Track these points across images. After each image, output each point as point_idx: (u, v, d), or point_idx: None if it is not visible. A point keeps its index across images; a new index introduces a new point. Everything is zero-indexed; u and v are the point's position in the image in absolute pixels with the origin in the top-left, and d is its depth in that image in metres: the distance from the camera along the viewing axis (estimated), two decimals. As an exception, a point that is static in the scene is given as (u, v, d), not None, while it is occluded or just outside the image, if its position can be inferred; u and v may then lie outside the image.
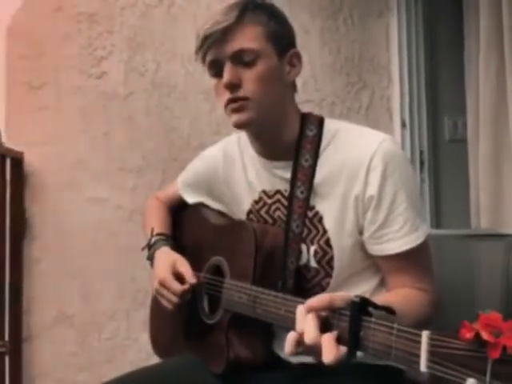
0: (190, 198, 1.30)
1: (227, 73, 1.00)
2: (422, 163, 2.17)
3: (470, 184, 2.03)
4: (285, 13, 1.09)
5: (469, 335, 0.58)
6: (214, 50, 1.02)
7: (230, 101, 1.02)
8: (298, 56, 1.07)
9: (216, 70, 1.04)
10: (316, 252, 1.04)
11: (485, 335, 0.57)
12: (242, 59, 1.00)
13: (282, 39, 1.05)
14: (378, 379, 1.02)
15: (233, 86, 1.00)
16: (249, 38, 1.00)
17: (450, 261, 1.40)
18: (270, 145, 1.09)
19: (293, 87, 1.09)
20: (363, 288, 1.05)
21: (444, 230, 2.13)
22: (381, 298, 0.92)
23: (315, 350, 0.74)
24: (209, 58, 1.03)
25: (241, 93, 1.01)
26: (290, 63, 1.06)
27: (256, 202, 1.14)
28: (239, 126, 1.04)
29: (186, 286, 1.10)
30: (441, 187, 2.23)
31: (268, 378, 1.06)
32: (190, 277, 1.11)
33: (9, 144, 1.76)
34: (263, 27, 1.02)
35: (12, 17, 1.80)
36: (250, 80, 1.00)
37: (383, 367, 1.03)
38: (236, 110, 1.02)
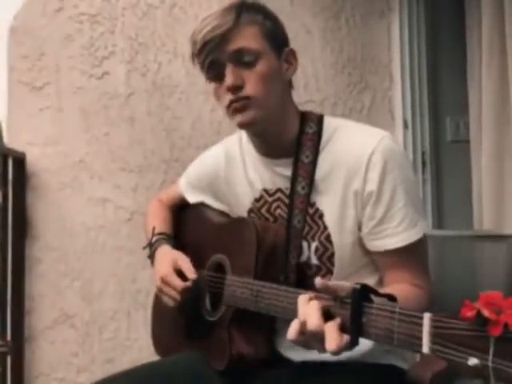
0: (192, 198, 1.30)
1: (230, 75, 1.01)
2: (424, 164, 2.16)
3: (472, 185, 2.03)
4: (287, 13, 1.10)
5: (470, 314, 0.58)
6: (213, 53, 1.02)
7: (233, 101, 1.02)
8: (293, 54, 1.09)
9: (215, 72, 1.04)
10: (317, 248, 1.05)
11: (486, 313, 0.57)
12: (242, 59, 1.01)
13: (278, 38, 1.06)
14: (379, 379, 1.02)
15: (236, 88, 1.01)
16: (248, 38, 1.01)
17: (453, 261, 1.40)
18: (271, 143, 1.09)
19: (290, 85, 1.11)
20: (364, 285, 1.06)
21: (446, 230, 2.12)
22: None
23: (318, 338, 0.75)
24: (208, 60, 1.03)
25: (243, 93, 1.01)
26: (286, 61, 1.07)
27: (257, 201, 1.14)
28: (243, 125, 1.05)
29: (188, 283, 1.10)
30: (443, 188, 2.23)
31: (270, 376, 1.06)
32: (191, 272, 1.11)
33: (11, 144, 1.76)
34: (260, 26, 1.03)
35: (13, 17, 1.80)
36: (252, 80, 1.01)
37: (385, 367, 1.03)
38: (239, 110, 1.02)
